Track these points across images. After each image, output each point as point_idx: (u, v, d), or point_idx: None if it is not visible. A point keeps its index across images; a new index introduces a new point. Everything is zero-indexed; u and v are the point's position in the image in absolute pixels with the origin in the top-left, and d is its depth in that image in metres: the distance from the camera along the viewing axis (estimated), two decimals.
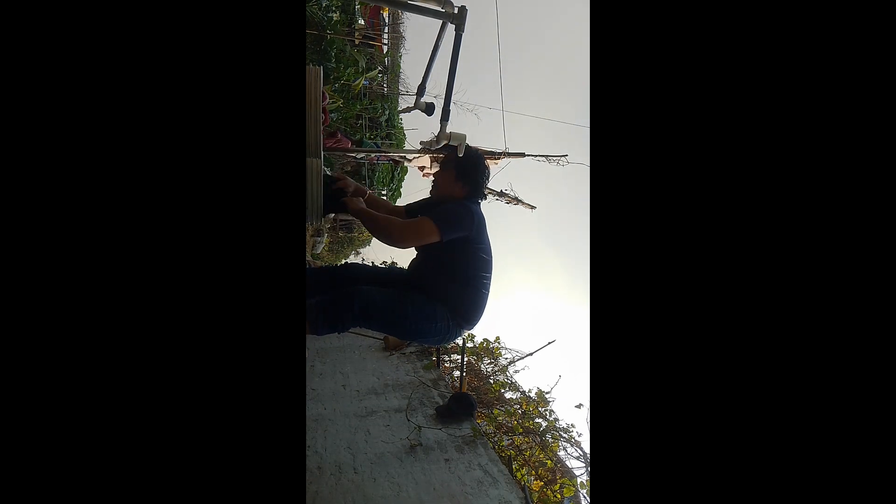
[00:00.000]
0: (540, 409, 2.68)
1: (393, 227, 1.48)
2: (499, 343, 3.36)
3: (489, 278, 1.60)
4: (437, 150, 1.82)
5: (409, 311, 1.45)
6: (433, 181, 1.65)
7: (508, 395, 2.91)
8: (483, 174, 1.63)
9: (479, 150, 1.71)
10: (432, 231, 1.46)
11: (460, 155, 1.64)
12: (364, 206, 1.56)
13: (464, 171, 1.61)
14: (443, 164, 1.66)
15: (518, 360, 3.25)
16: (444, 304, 1.51)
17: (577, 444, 2.51)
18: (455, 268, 1.52)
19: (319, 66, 1.60)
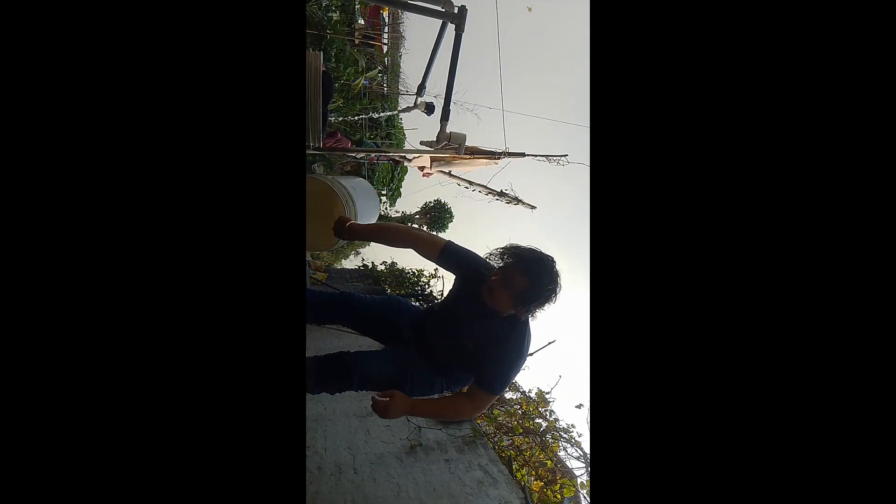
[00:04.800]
0: (540, 409, 2.68)
1: (462, 411, 1.39)
2: None
3: None
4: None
5: (406, 389, 1.35)
6: (494, 285, 1.24)
7: (508, 395, 2.91)
8: (546, 302, 1.27)
9: (556, 269, 1.27)
10: (491, 400, 1.41)
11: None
12: (409, 400, 1.27)
13: (526, 298, 1.22)
14: (508, 277, 1.23)
15: None
16: (442, 376, 1.43)
17: (577, 444, 2.51)
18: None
19: (320, 51, 1.57)
